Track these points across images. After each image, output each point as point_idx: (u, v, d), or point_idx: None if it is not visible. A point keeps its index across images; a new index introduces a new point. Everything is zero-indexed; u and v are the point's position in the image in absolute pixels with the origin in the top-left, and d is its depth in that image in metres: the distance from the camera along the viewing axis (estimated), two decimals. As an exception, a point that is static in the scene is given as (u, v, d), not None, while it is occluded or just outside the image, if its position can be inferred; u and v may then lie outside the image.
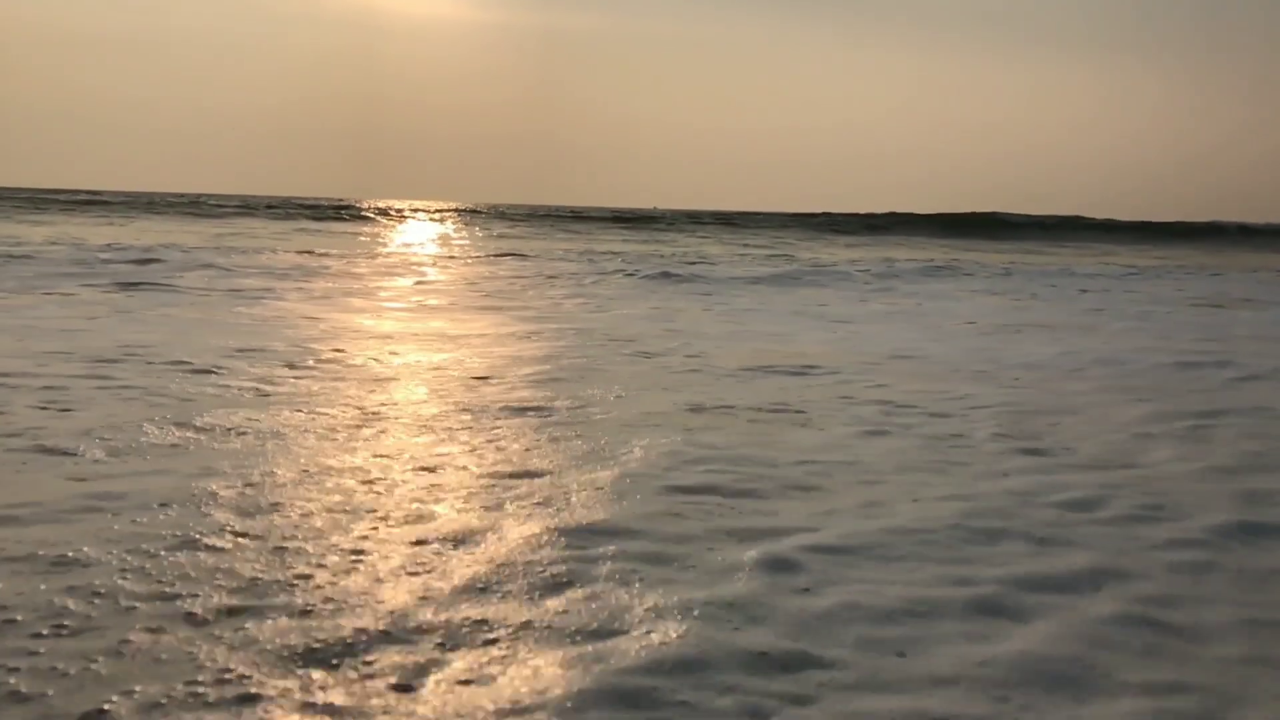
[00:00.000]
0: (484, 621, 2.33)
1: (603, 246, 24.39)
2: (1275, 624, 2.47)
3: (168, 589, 2.47)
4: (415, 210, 52.72)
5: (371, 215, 42.75)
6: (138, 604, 2.38)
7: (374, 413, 4.59)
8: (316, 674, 2.07)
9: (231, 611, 2.35)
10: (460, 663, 2.13)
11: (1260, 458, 4.16)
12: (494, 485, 3.45)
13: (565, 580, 2.60)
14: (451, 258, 19.23)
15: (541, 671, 2.10)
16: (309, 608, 2.38)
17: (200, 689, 1.98)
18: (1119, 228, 45.44)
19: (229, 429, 4.14)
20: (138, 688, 1.98)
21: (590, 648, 2.21)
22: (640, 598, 2.49)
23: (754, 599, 2.50)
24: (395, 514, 3.11)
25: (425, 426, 4.34)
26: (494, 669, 2.11)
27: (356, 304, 10.19)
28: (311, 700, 1.96)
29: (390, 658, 2.14)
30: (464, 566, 2.67)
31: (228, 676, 2.03)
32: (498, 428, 4.35)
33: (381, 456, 3.80)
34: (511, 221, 41.10)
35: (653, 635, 2.27)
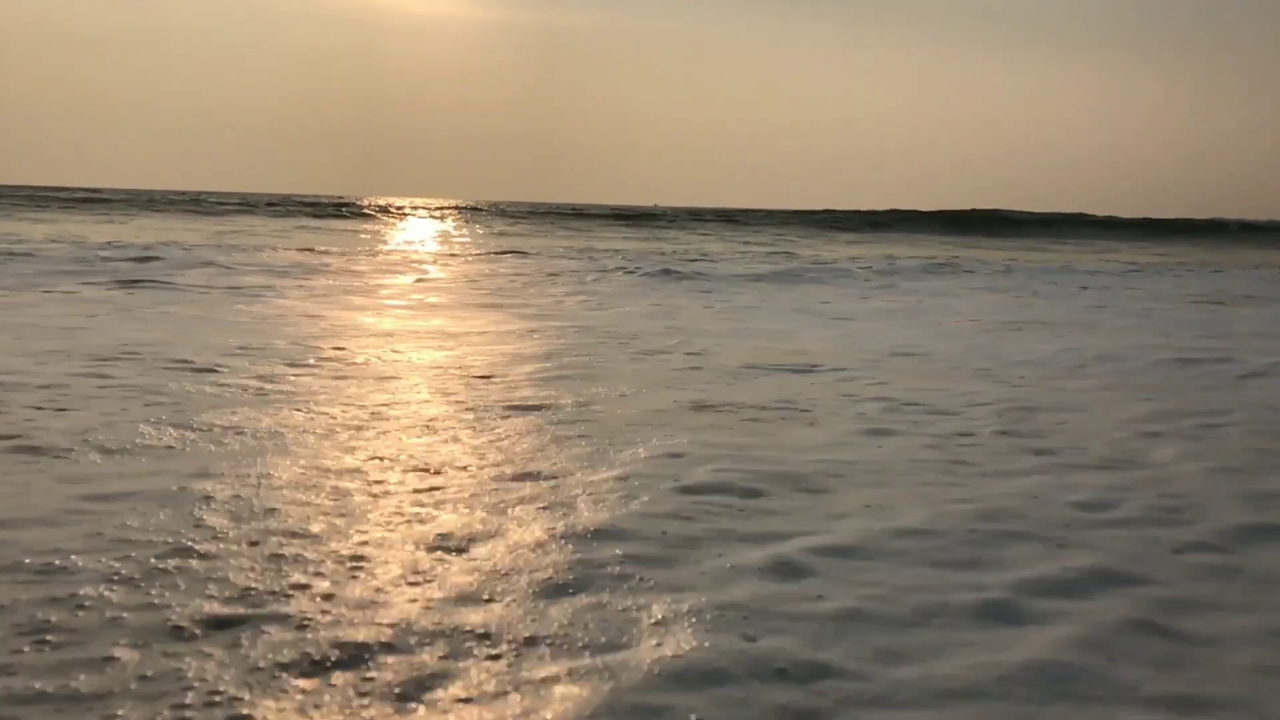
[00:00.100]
0: (488, 635, 2.24)
1: (603, 244, 24.36)
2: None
3: (156, 600, 2.37)
4: (416, 207, 52.71)
5: (372, 212, 42.72)
6: (124, 615, 2.28)
7: (375, 412, 4.55)
8: (312, 692, 1.97)
9: (223, 624, 2.25)
10: (463, 678, 2.05)
11: (1268, 456, 4.13)
12: (497, 488, 3.39)
13: (572, 588, 2.52)
14: (452, 255, 19.21)
15: (549, 687, 2.01)
16: (305, 620, 2.28)
17: (188, 713, 1.87)
18: (1120, 225, 45.41)
19: (227, 429, 4.09)
20: (120, 711, 1.87)
21: (600, 660, 2.13)
22: (650, 606, 2.41)
23: (767, 606, 2.44)
24: (396, 519, 3.03)
25: (427, 426, 4.30)
26: (499, 685, 2.02)
27: (357, 301, 10.17)
28: (307, 720, 1.86)
29: (390, 673, 2.05)
30: (467, 575, 2.59)
31: (217, 698, 1.93)
32: (500, 427, 4.32)
33: (382, 458, 3.74)
34: (512, 219, 41.07)
35: (664, 647, 2.19)
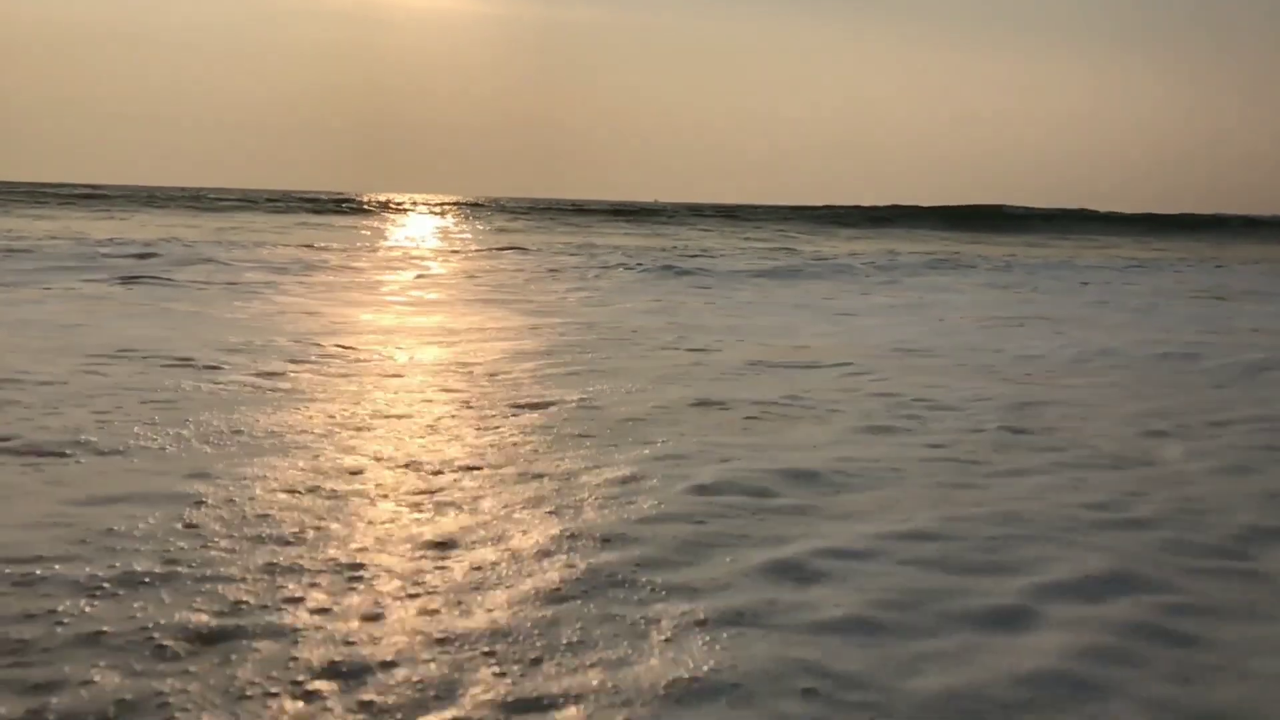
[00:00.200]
0: (492, 653, 2.13)
1: (604, 240, 24.32)
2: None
3: (139, 614, 2.24)
4: (416, 204, 52.66)
5: (372, 209, 42.70)
6: (104, 631, 2.15)
7: (375, 411, 4.51)
8: (305, 716, 1.86)
9: (210, 639, 2.13)
10: (467, 698, 1.94)
11: (1277, 455, 4.10)
12: (501, 490, 3.31)
13: (581, 598, 2.43)
14: (453, 252, 19.17)
15: (557, 707, 1.92)
16: (299, 635, 2.16)
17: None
18: (1122, 220, 45.38)
19: (223, 429, 4.04)
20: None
21: (611, 678, 2.03)
22: (662, 617, 2.33)
23: (779, 611, 2.38)
24: (396, 524, 2.93)
25: (429, 426, 4.26)
26: (504, 706, 1.92)
27: (357, 298, 10.14)
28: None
29: (389, 694, 1.95)
30: (470, 585, 2.48)
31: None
32: (503, 426, 4.28)
33: (382, 458, 3.68)
34: (512, 214, 41.06)
35: (678, 659, 2.12)
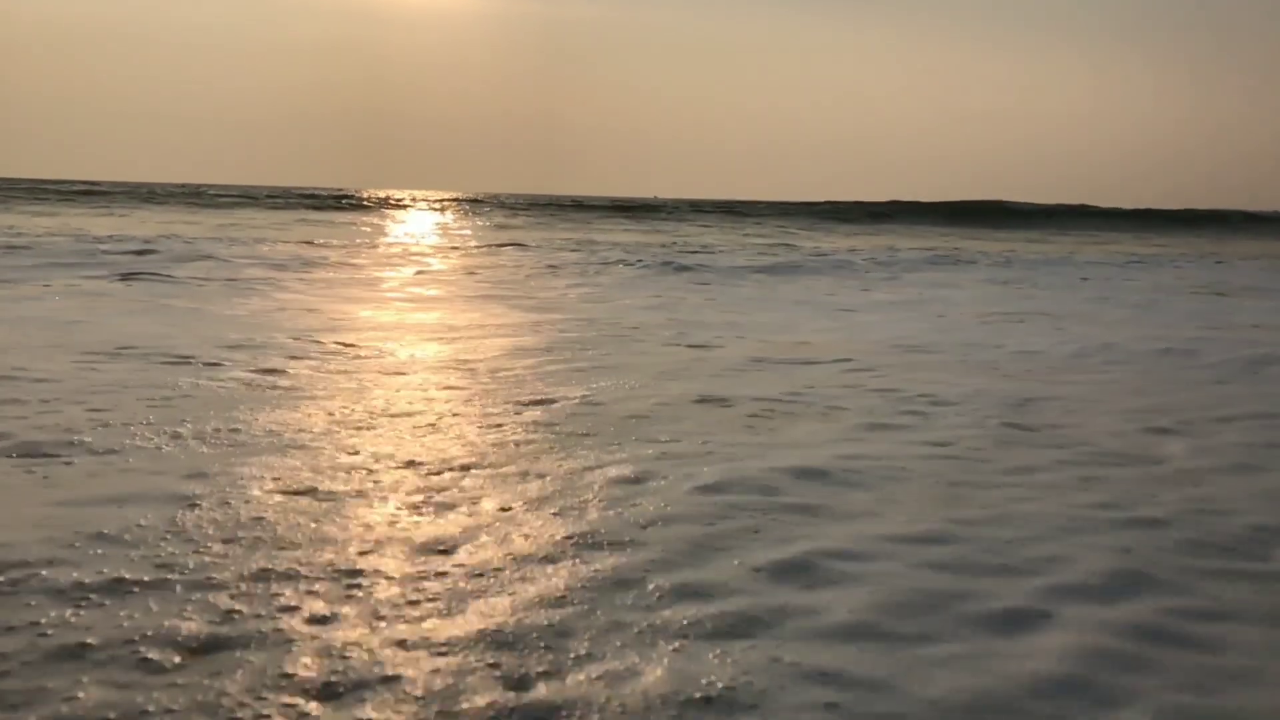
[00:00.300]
0: (498, 665, 2.04)
1: (604, 236, 24.30)
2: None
3: (126, 624, 2.14)
4: (415, 200, 52.62)
5: (372, 205, 42.67)
6: (89, 642, 2.06)
7: (375, 409, 4.49)
8: None
9: (200, 651, 2.04)
10: (471, 715, 1.87)
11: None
12: (503, 491, 3.26)
13: (588, 604, 2.35)
14: (453, 248, 19.15)
15: None
16: (294, 647, 2.06)
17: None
18: (1122, 215, 45.39)
19: (221, 428, 3.99)
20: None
21: (621, 692, 1.95)
22: (672, 624, 2.26)
23: (792, 617, 2.32)
24: (396, 527, 2.85)
25: (430, 424, 4.22)
26: None
27: (357, 295, 10.12)
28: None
29: (389, 711, 1.87)
30: (474, 593, 2.39)
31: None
32: (504, 425, 4.25)
33: (382, 458, 3.63)
34: (512, 211, 41.04)
35: (690, 667, 2.04)
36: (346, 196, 49.48)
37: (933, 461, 3.82)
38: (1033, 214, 43.09)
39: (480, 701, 1.91)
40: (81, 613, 2.21)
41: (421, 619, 2.25)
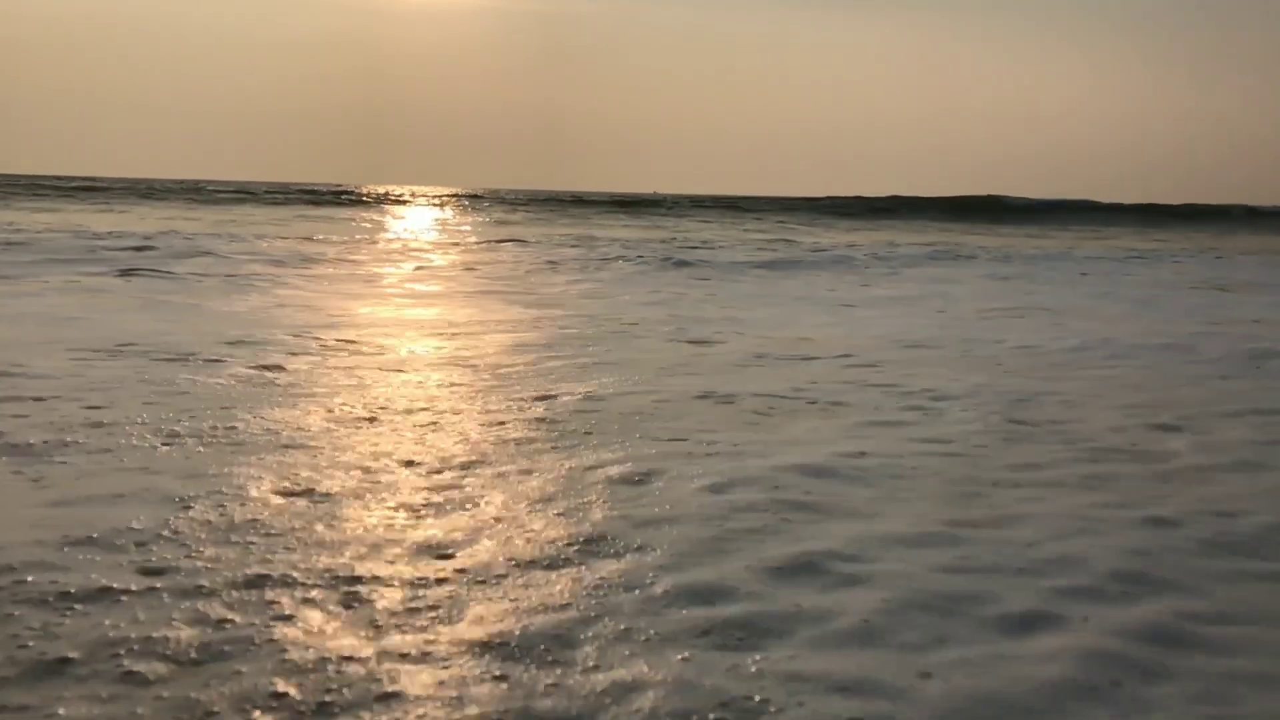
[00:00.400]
0: (504, 677, 1.96)
1: (604, 232, 24.26)
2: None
3: (111, 634, 2.05)
4: (415, 196, 52.61)
5: (371, 201, 42.63)
6: (72, 655, 1.96)
7: (374, 408, 4.44)
8: None
9: (189, 664, 1.95)
10: None
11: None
12: (506, 490, 3.20)
13: (593, 610, 2.28)
14: (453, 244, 19.12)
15: None
16: (288, 660, 1.97)
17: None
18: (1122, 210, 45.36)
19: (219, 426, 3.93)
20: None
21: (629, 707, 1.87)
22: (681, 630, 2.19)
23: (804, 621, 2.26)
24: (396, 529, 2.78)
25: (430, 424, 4.17)
26: None
27: (356, 291, 10.10)
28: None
29: None
30: (475, 599, 2.32)
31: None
32: (506, 422, 4.22)
33: (381, 459, 3.56)
34: (512, 206, 41.02)
35: (699, 675, 1.99)
36: (346, 192, 49.47)
37: (937, 459, 3.79)
38: (1033, 209, 43.06)
39: (484, 713, 1.84)
40: (65, 622, 2.12)
41: (422, 629, 2.17)
